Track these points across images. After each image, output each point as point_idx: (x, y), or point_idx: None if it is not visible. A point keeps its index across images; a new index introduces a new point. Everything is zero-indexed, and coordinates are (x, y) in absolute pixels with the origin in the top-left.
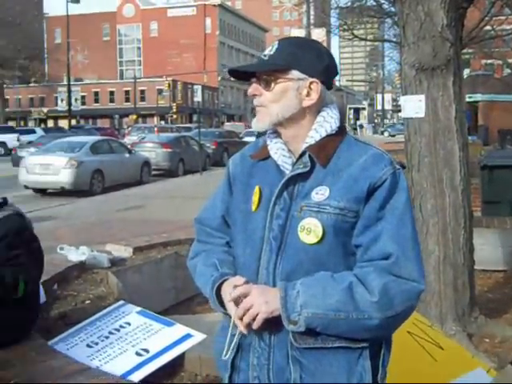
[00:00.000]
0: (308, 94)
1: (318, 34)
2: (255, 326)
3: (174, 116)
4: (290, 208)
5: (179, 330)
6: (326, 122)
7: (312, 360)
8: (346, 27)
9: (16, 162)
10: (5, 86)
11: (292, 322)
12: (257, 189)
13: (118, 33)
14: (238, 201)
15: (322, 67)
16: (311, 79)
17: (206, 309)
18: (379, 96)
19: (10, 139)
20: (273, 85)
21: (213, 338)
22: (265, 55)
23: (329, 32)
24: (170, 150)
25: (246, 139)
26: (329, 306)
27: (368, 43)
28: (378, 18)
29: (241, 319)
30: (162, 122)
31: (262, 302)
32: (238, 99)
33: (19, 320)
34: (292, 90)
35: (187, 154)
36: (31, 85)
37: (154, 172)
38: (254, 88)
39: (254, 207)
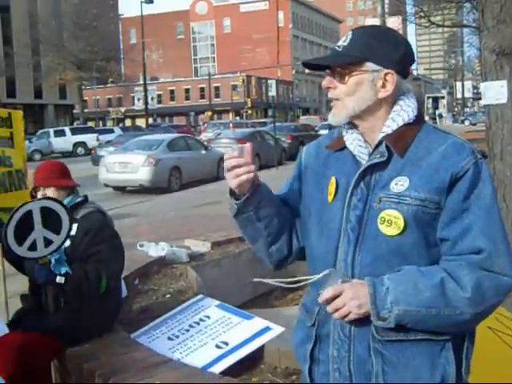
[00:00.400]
0: (383, 86)
1: (393, 23)
2: (342, 318)
3: (249, 111)
4: (368, 198)
5: (258, 323)
6: (403, 111)
7: (394, 352)
8: (422, 14)
9: (96, 161)
10: (83, 87)
11: (381, 318)
12: (333, 179)
13: (191, 30)
14: (312, 191)
15: (398, 57)
16: (386, 70)
17: (283, 302)
18: (459, 84)
19: (90, 139)
20: (347, 78)
21: (291, 331)
22: (339, 46)
23: (404, 20)
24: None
25: (322, 132)
26: (420, 303)
27: (446, 30)
28: (456, 3)
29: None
30: (237, 118)
31: (355, 305)
32: (313, 92)
33: (102, 314)
34: (367, 83)
35: (263, 149)
36: (108, 85)
37: None
38: (327, 81)
39: (330, 198)
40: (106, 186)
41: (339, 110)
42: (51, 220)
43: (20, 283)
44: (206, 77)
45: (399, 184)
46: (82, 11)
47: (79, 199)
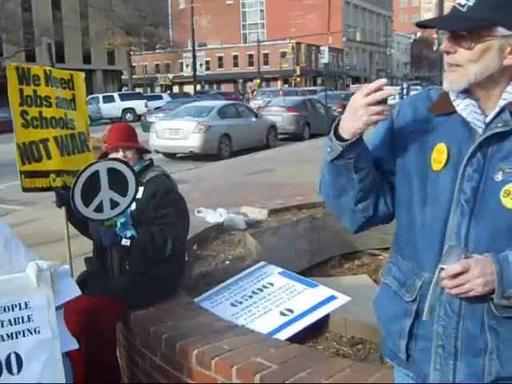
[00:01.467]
0: (511, 52)
1: None
2: (460, 295)
3: (298, 79)
4: (484, 170)
5: (323, 291)
6: None
7: (509, 328)
8: None
9: (146, 127)
10: (132, 53)
11: (506, 297)
12: (443, 147)
13: None
14: (412, 156)
15: None
16: None
17: (339, 272)
18: None
19: (138, 105)
20: (472, 44)
21: (354, 301)
22: (462, 5)
23: None
24: (295, 113)
25: None
26: None
27: None
28: None
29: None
30: (286, 86)
31: (481, 283)
32: (364, 61)
33: (168, 278)
34: (494, 49)
35: (313, 118)
36: (157, 51)
37: (280, 136)
38: (447, 46)
39: (438, 166)
40: (157, 152)
41: (460, 76)
42: (118, 182)
43: (82, 245)
44: (255, 43)
45: None
46: None
47: (146, 163)
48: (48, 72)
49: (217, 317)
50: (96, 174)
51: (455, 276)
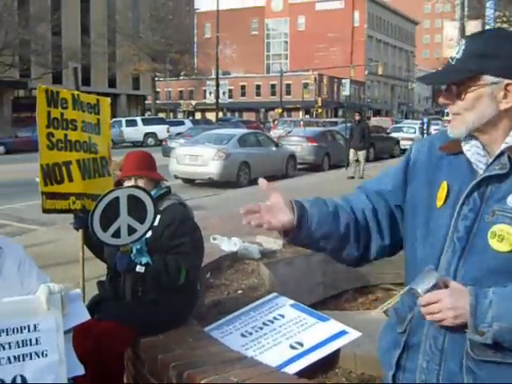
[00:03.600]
0: (505, 96)
1: (473, 27)
2: (435, 323)
3: (319, 110)
4: (480, 210)
5: (334, 325)
6: None
7: (488, 373)
8: (504, 19)
9: (166, 152)
10: (156, 78)
11: (479, 332)
12: (444, 184)
13: (265, 27)
14: (420, 192)
15: None
16: (507, 81)
17: (352, 306)
18: None
19: (160, 130)
20: (463, 94)
21: (367, 336)
22: (452, 59)
23: (485, 24)
24: (315, 144)
25: (394, 135)
26: None
27: None
28: None
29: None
30: (307, 116)
31: (451, 315)
32: (385, 94)
33: (179, 306)
34: (486, 96)
35: (333, 149)
36: (181, 78)
37: (299, 166)
38: (444, 97)
39: (439, 203)
40: (176, 177)
41: (458, 124)
42: (136, 209)
43: (96, 268)
44: (278, 74)
45: None
46: (158, 4)
47: (163, 190)
48: (76, 96)
49: (226, 347)
50: (116, 199)
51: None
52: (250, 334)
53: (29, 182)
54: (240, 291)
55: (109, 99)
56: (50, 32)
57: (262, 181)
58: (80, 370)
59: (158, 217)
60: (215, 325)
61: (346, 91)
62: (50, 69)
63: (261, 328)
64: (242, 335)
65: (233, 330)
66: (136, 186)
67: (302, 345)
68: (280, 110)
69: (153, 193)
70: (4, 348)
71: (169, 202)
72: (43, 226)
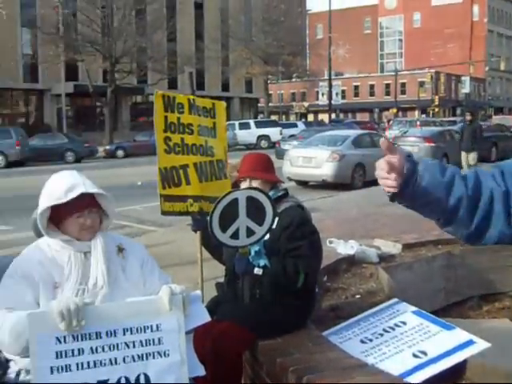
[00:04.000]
0: None
1: None
2: None
3: (436, 109)
4: None
5: (460, 334)
6: None
7: None
8: None
9: (280, 154)
10: (269, 81)
11: None
12: None
13: (379, 25)
14: None
15: None
16: None
17: (477, 314)
18: None
19: (273, 133)
20: None
21: (496, 347)
22: None
23: None
24: (433, 144)
25: None
26: None
27: None
28: None
29: None
30: (423, 116)
31: None
32: (508, 91)
33: (297, 309)
34: None
35: (451, 149)
36: (293, 80)
37: None
38: None
39: None
40: (290, 179)
41: None
42: (254, 211)
43: (213, 269)
44: (393, 73)
45: None
46: (270, 6)
47: (281, 193)
48: (192, 101)
49: (346, 353)
50: (235, 201)
51: None
52: (370, 340)
53: (146, 184)
54: (358, 296)
55: (224, 103)
56: (166, 39)
57: (382, 140)
58: (201, 371)
59: (276, 219)
60: (334, 329)
61: (465, 89)
62: (165, 74)
63: (381, 335)
64: (362, 341)
65: (352, 335)
66: (255, 188)
67: (425, 354)
68: (395, 110)
69: (270, 194)
70: (128, 347)
71: (286, 205)
72: (161, 227)
